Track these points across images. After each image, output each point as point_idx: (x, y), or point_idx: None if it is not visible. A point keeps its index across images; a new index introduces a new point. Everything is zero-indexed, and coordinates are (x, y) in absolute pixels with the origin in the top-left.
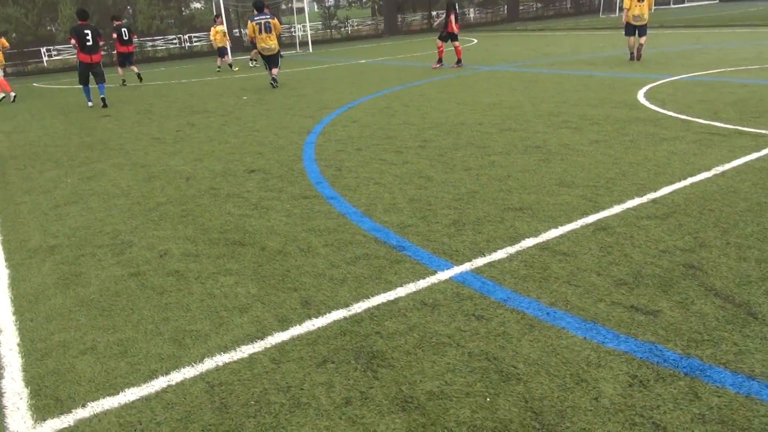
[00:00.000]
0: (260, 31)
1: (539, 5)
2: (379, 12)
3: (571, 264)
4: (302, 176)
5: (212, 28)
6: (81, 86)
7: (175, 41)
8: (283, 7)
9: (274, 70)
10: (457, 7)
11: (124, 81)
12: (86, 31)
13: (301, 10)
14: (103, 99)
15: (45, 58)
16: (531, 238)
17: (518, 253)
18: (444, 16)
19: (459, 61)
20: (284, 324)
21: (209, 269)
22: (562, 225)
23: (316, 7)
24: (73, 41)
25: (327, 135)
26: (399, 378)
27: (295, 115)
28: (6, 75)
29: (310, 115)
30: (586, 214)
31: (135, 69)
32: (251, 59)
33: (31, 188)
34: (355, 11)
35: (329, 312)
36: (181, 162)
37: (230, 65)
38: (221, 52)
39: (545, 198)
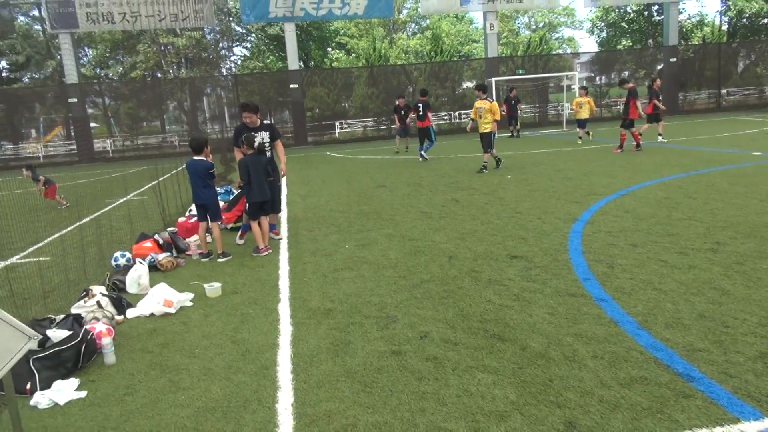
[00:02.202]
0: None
1: None
2: None
3: None
4: (568, 269)
5: (574, 100)
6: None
7: (445, 117)
8: (551, 85)
9: (487, 155)
10: (637, 93)
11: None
12: (419, 104)
13: (569, 88)
14: (421, 154)
15: (337, 130)
16: None
17: None
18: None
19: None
20: None
21: (467, 361)
22: None
23: (585, 83)
24: (412, 113)
25: (596, 225)
26: None
27: (560, 199)
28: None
29: (576, 201)
30: None
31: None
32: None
33: (316, 250)
34: None
35: None
36: (445, 239)
37: (588, 133)
38: (581, 123)
39: None
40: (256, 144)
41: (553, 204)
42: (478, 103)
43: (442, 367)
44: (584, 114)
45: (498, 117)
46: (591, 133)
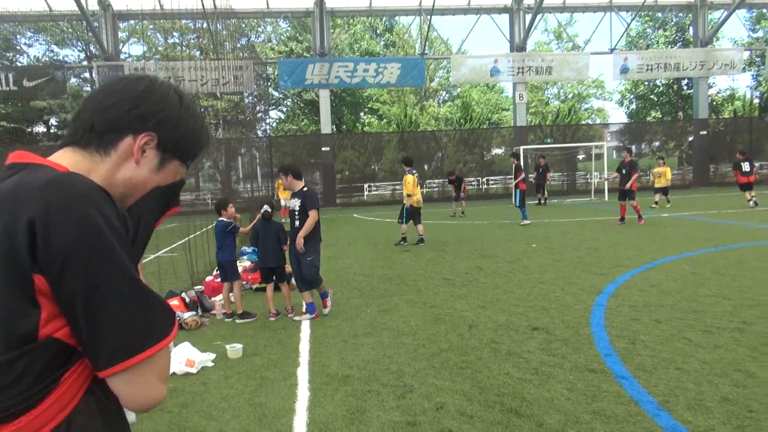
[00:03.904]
0: (416, 184)
1: None
2: (687, 161)
3: None
4: (589, 344)
5: (654, 170)
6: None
7: (474, 183)
8: (581, 152)
9: (420, 227)
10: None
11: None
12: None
13: (599, 157)
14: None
15: (366, 193)
16: None
17: None
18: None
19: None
20: None
21: None
22: None
23: (615, 155)
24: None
25: (620, 298)
26: None
27: (585, 271)
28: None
29: (601, 272)
30: None
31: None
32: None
33: (338, 313)
34: None
35: None
36: (466, 307)
37: (656, 202)
38: (657, 190)
39: None
40: (261, 211)
41: (577, 275)
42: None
43: None
44: (662, 182)
45: (407, 190)
46: (669, 201)
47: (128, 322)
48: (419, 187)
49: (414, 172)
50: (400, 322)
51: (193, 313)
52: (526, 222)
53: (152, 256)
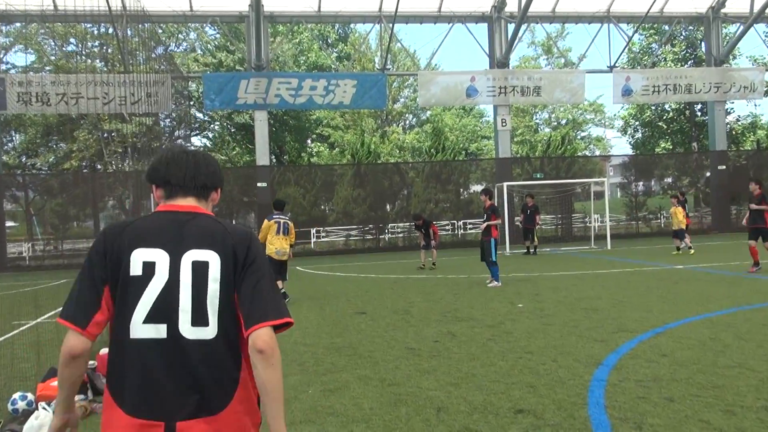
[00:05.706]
0: (277, 232)
1: None
2: (704, 202)
3: None
4: (586, 429)
5: (673, 208)
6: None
7: (447, 227)
8: (578, 190)
9: (280, 282)
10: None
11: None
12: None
13: (600, 195)
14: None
15: (313, 240)
16: None
17: None
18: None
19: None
20: None
21: None
22: None
23: (619, 193)
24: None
25: (624, 371)
26: None
27: (582, 337)
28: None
29: (601, 339)
30: None
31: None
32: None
33: None
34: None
35: None
36: (434, 384)
37: (689, 247)
38: (678, 234)
39: None
40: None
41: (572, 343)
42: None
43: None
44: (674, 225)
45: (260, 238)
46: (681, 247)
47: (276, 299)
48: (284, 235)
49: (275, 218)
50: (350, 405)
51: (82, 396)
52: (496, 284)
53: (32, 323)
